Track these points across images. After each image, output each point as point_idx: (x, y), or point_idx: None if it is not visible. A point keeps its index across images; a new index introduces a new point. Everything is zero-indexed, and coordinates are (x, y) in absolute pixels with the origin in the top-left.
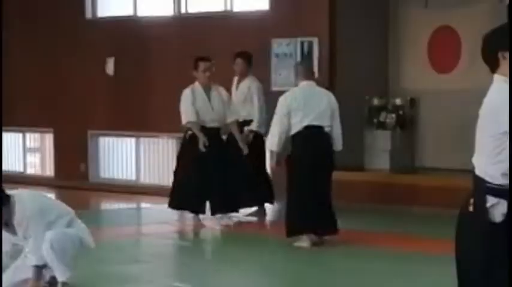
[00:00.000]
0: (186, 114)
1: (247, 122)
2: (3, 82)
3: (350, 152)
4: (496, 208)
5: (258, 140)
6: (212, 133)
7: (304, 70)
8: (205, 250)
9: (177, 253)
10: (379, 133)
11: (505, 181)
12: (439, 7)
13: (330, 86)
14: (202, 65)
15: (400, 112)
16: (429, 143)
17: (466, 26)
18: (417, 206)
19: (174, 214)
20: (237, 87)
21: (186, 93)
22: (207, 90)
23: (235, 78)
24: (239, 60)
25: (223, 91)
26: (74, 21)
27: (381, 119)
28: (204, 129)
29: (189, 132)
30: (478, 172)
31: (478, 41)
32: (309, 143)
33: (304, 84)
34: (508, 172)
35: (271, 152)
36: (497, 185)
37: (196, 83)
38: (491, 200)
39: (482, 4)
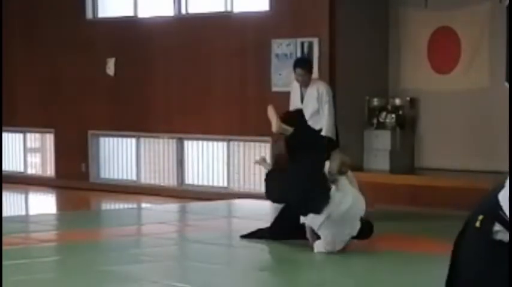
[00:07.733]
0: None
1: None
2: (4, 82)
3: (349, 152)
4: (499, 233)
5: None
6: None
7: None
8: (205, 250)
9: (178, 253)
10: (379, 133)
11: None
12: (438, 8)
13: (330, 86)
14: None
15: (400, 112)
16: (429, 144)
17: (465, 26)
18: (417, 206)
19: (174, 214)
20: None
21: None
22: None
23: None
24: (300, 71)
25: None
26: (74, 22)
27: (381, 119)
28: None
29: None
30: (500, 196)
31: (477, 41)
32: None
33: None
34: None
35: None
36: (508, 218)
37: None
38: (497, 226)
39: (482, 5)
